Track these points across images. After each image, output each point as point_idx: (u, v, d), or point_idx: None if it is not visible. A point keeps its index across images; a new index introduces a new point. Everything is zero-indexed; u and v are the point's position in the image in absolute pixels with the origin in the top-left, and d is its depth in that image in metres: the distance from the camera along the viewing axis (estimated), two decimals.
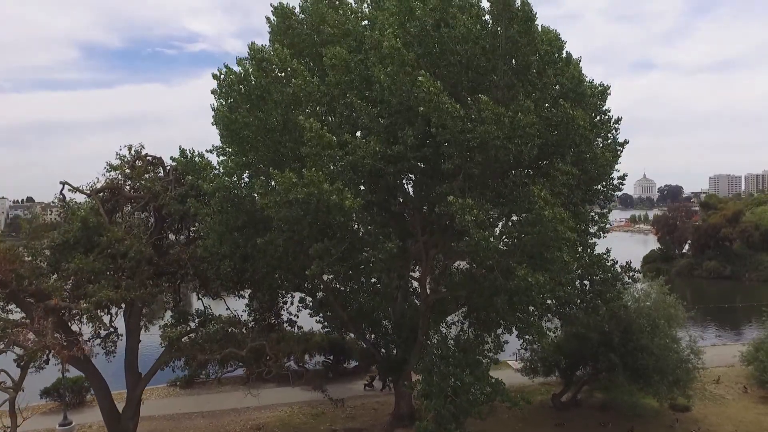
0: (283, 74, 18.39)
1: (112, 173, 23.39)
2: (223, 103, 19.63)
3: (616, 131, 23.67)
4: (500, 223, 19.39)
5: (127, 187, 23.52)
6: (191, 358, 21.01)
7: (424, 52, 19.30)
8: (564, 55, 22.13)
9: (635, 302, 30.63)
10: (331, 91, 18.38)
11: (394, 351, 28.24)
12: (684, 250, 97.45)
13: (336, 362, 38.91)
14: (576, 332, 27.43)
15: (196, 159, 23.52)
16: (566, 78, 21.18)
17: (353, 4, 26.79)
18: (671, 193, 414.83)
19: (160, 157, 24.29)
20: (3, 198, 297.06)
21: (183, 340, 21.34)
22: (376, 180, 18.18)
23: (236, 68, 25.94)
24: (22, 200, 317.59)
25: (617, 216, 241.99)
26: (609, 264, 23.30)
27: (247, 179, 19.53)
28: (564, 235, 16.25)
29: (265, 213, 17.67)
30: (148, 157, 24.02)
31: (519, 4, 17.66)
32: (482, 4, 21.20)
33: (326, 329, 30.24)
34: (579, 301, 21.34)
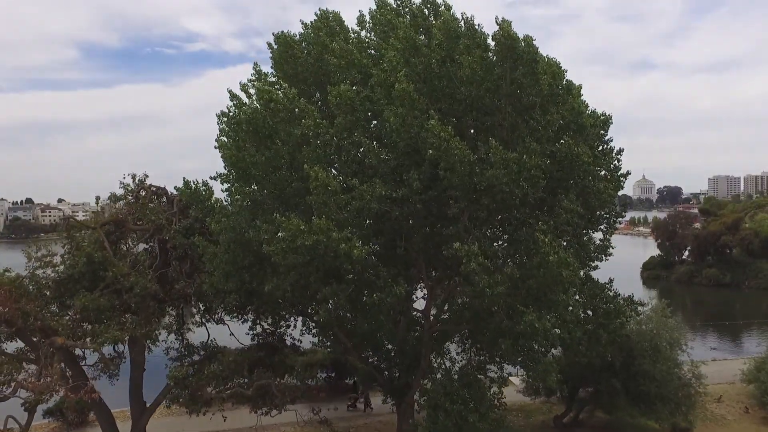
0: (290, 114, 18.43)
1: (117, 204, 23.52)
2: (229, 141, 19.68)
3: (618, 162, 23.75)
4: (505, 264, 19.43)
5: (130, 217, 23.57)
6: (197, 395, 21.06)
7: (428, 89, 19.36)
8: (564, 82, 22.30)
9: (637, 324, 30.72)
10: (340, 133, 18.45)
11: (397, 374, 28.35)
12: (684, 256, 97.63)
13: (338, 379, 38.96)
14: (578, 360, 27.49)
15: (201, 189, 23.66)
16: (567, 110, 21.27)
17: (354, 31, 26.88)
18: (670, 194, 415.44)
19: (164, 188, 24.40)
20: (2, 199, 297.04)
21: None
22: (382, 222, 18.27)
23: (241, 95, 26.39)
24: (22, 201, 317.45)
25: None
26: (612, 295, 23.36)
27: (253, 219, 19.55)
28: (569, 279, 16.35)
29: (272, 259, 17.74)
30: (152, 188, 24.11)
31: (523, 45, 17.72)
32: (487, 38, 21.36)
33: (329, 349, 30.37)
34: (581, 333, 21.40)
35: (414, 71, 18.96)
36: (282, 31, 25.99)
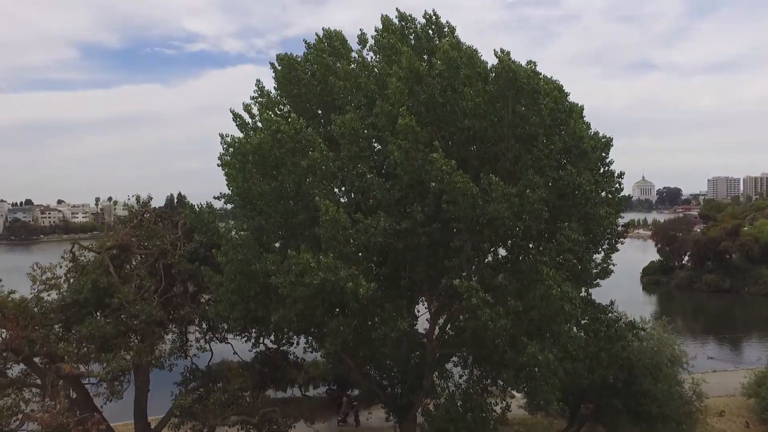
0: (297, 144, 18.58)
1: (121, 226, 23.67)
2: (234, 171, 19.81)
3: (619, 185, 23.90)
4: (507, 295, 19.58)
5: (134, 240, 23.70)
6: (202, 423, 21.21)
7: (432, 117, 19.50)
8: (566, 104, 22.41)
9: (638, 341, 30.81)
10: (345, 165, 18.61)
11: (399, 391, 28.51)
12: (684, 261, 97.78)
13: (340, 391, 39.13)
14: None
15: (206, 212, 23.78)
16: (569, 134, 21.40)
17: (357, 51, 26.98)
18: (670, 196, 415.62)
19: (168, 209, 24.51)
20: (2, 201, 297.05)
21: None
22: (386, 254, 18.41)
23: (245, 116, 26.50)
24: (21, 203, 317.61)
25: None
26: (613, 318, 23.50)
27: (260, 250, 19.66)
28: (572, 311, 16.50)
29: (280, 291, 17.89)
30: (156, 210, 24.25)
31: (523, 77, 17.81)
32: (487, 66, 21.46)
33: (330, 365, 30.52)
34: (583, 361, 21.54)
35: (418, 100, 19.10)
36: (286, 53, 26.14)
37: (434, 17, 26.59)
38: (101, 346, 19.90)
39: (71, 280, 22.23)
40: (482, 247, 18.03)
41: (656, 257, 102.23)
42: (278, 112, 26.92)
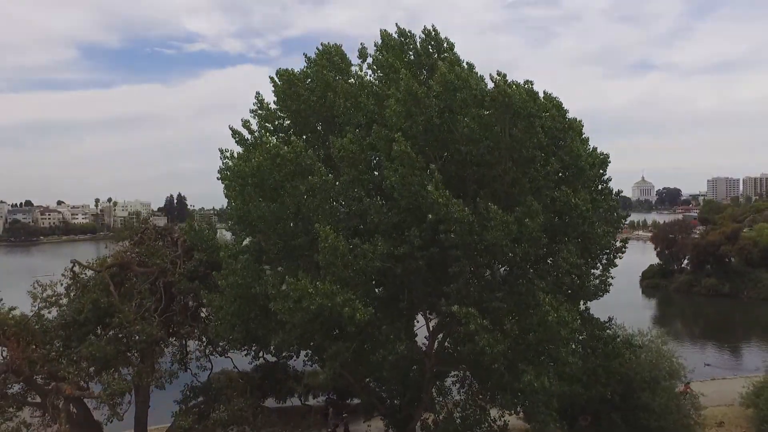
0: (297, 168, 18.71)
1: (121, 244, 23.80)
2: (234, 193, 19.95)
3: (617, 203, 24.02)
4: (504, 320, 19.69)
5: (135, 257, 23.82)
6: None
7: (430, 139, 19.63)
8: (566, 121, 22.51)
9: (635, 357, 30.87)
10: (345, 189, 18.76)
11: (397, 402, 28.68)
12: (683, 264, 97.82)
13: (339, 400, 39.26)
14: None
15: (205, 229, 23.92)
16: (566, 152, 21.51)
17: (357, 64, 27.09)
18: (669, 196, 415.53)
19: (167, 226, 24.65)
20: (2, 202, 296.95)
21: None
22: (385, 277, 18.54)
23: (244, 131, 26.62)
24: (21, 204, 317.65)
25: None
26: (611, 335, 23.63)
27: (259, 271, 19.77)
28: (569, 335, 16.63)
29: (278, 317, 18.04)
30: (155, 228, 24.38)
31: (520, 102, 17.90)
32: (486, 85, 21.57)
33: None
34: (581, 373, 21.66)
35: (416, 122, 19.23)
36: (286, 69, 26.24)
37: (434, 32, 26.79)
38: (103, 366, 20.01)
39: (72, 294, 22.31)
40: (480, 272, 18.14)
41: (656, 260, 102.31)
42: (277, 127, 27.14)
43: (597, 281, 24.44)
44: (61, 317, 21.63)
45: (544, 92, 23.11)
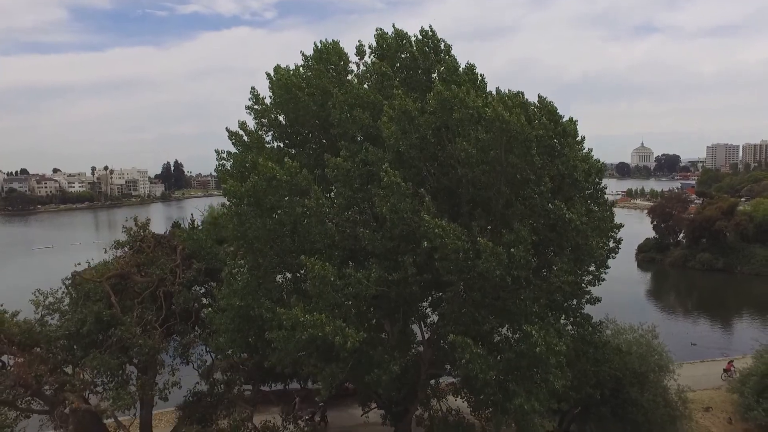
0: (293, 188, 18.84)
1: (120, 250, 24.07)
2: (231, 212, 20.13)
3: (611, 214, 24.22)
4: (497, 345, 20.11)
5: (134, 266, 24.07)
6: None
7: (424, 157, 19.69)
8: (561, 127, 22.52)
9: (626, 347, 31.56)
10: (339, 213, 18.93)
11: (394, 395, 29.56)
12: (679, 238, 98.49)
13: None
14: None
15: (203, 238, 24.19)
16: (562, 162, 21.58)
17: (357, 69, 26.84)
18: (668, 162, 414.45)
19: (166, 234, 24.87)
20: None
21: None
22: (379, 300, 18.89)
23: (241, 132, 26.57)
24: (17, 172, 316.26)
25: (614, 188, 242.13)
26: (601, 341, 24.18)
27: (258, 289, 20.11)
28: (558, 358, 17.13)
29: (273, 345, 18.52)
30: (154, 236, 24.59)
31: (516, 126, 17.88)
32: (485, 98, 21.45)
33: None
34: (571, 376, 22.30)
35: (410, 141, 19.26)
36: (282, 68, 25.91)
37: (430, 32, 26.53)
38: (107, 378, 20.59)
39: (77, 315, 22.56)
40: (474, 297, 18.51)
41: (652, 234, 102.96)
42: (273, 122, 27.03)
43: (589, 295, 24.69)
44: (64, 328, 22.06)
45: (539, 96, 23.17)
